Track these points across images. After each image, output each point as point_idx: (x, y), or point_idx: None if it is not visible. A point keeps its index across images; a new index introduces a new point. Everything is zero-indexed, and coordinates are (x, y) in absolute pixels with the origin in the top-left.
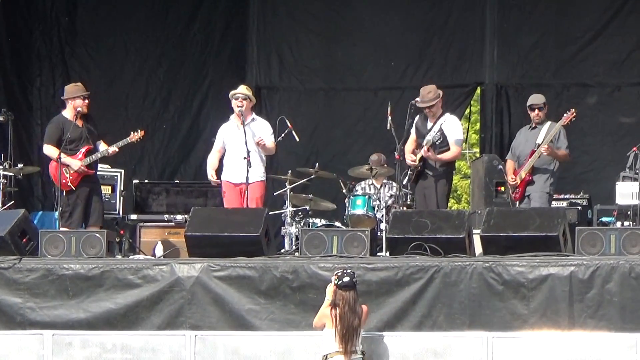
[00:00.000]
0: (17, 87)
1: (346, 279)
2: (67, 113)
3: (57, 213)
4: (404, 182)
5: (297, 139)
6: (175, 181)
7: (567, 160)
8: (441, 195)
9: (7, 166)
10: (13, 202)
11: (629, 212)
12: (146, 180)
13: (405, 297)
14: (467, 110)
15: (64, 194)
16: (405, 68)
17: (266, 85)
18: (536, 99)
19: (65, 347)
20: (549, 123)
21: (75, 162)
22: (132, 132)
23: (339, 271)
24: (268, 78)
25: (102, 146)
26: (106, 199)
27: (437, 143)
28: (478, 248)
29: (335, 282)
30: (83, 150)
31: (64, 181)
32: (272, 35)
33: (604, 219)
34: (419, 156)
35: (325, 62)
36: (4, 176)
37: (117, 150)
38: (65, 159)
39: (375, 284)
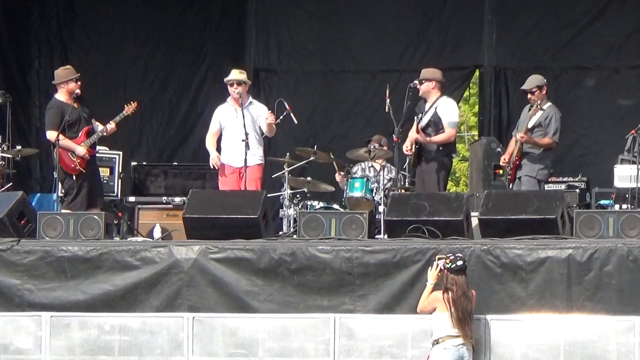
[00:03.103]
0: (16, 69)
1: (459, 262)
2: (61, 97)
3: (54, 195)
4: (405, 166)
5: (296, 122)
6: (174, 163)
7: (552, 146)
8: (438, 179)
9: (5, 148)
10: (11, 184)
11: (627, 195)
12: (144, 163)
13: (404, 280)
14: (467, 93)
15: (74, 177)
16: (403, 50)
17: (264, 67)
18: (527, 83)
19: (63, 329)
20: (547, 105)
21: (80, 149)
22: (125, 105)
23: (448, 255)
24: (266, 60)
25: (99, 126)
26: (104, 181)
27: (430, 123)
28: (477, 234)
29: (448, 265)
30: (82, 132)
31: (72, 165)
32: (270, 17)
33: (602, 201)
34: (410, 140)
35: (324, 45)
36: (2, 158)
37: (114, 126)
38: (64, 141)
39: (373, 266)
